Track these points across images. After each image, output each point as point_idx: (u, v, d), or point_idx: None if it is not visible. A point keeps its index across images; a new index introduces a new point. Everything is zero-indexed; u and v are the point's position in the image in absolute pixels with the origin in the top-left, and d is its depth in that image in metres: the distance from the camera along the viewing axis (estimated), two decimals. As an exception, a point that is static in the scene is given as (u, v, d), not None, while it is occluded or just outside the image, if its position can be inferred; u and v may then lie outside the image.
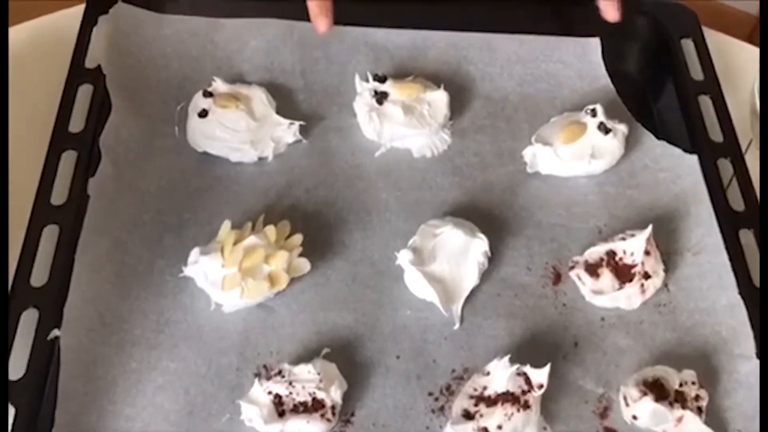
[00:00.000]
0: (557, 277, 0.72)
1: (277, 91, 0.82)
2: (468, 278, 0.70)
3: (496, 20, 0.86)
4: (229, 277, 0.68)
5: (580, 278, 0.70)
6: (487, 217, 0.75)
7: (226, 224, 0.70)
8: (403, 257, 0.69)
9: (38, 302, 0.66)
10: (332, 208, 0.76)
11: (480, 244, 0.70)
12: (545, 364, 0.63)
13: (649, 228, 0.69)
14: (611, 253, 0.70)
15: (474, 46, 0.86)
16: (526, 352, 0.68)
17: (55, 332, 0.64)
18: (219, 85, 0.80)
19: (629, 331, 0.69)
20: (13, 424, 0.61)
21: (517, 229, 0.75)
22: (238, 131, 0.77)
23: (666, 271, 0.70)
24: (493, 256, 0.72)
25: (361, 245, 0.74)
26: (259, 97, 0.80)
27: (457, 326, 0.69)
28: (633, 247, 0.69)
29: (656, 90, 0.86)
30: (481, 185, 0.78)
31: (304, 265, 0.70)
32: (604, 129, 0.76)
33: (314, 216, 0.75)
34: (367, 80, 0.81)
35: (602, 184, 0.78)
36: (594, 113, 0.77)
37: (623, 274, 0.69)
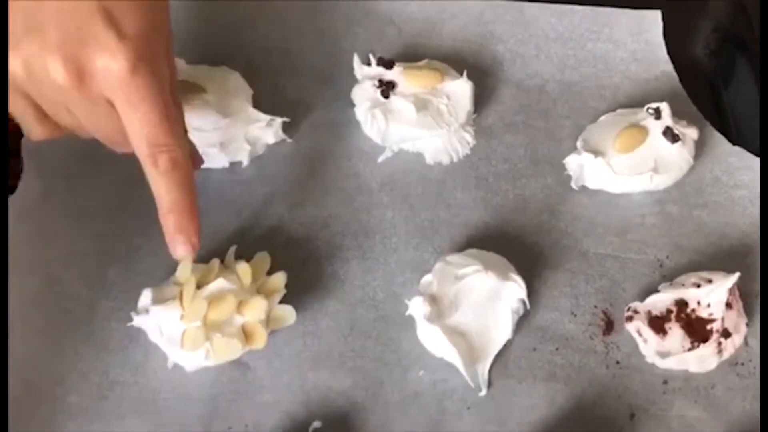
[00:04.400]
0: (609, 326, 0.57)
1: (254, 75, 0.65)
2: (499, 331, 0.55)
3: (530, -15, 0.69)
4: (190, 334, 0.52)
5: (641, 334, 0.55)
6: (520, 245, 0.60)
7: (186, 262, 0.55)
8: (416, 308, 0.54)
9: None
10: (323, 231, 0.60)
11: (515, 289, 0.55)
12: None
13: (735, 277, 0.54)
14: (682, 304, 0.55)
15: (502, 18, 0.69)
16: (569, 427, 0.54)
17: (-40, 412, 0.49)
18: (180, 67, 0.63)
19: (698, 398, 0.55)
20: None
21: (558, 261, 0.60)
22: (204, 131, 0.61)
23: (747, 324, 0.56)
24: (528, 297, 0.57)
25: (360, 281, 0.58)
26: (232, 84, 0.63)
27: (483, 392, 0.54)
28: (710, 298, 0.54)
29: (731, 81, 0.69)
30: (513, 202, 0.62)
31: (289, 315, 0.55)
32: (671, 136, 0.60)
33: (300, 242, 0.60)
34: (368, 63, 0.64)
35: (663, 202, 0.62)
36: (658, 114, 0.61)
37: (696, 330, 0.54)
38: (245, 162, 0.62)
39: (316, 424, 0.53)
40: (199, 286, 0.53)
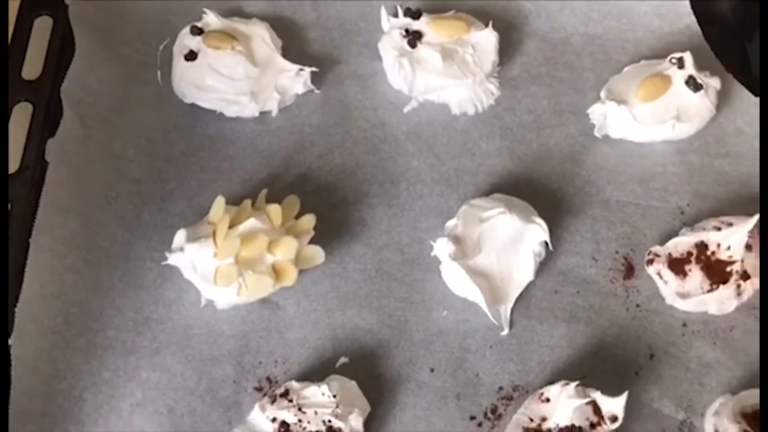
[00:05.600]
0: (629, 270, 0.58)
1: (283, 27, 0.67)
2: (521, 273, 0.56)
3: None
4: (223, 271, 0.54)
5: (661, 276, 0.56)
6: (543, 192, 0.61)
7: (219, 201, 0.57)
8: (441, 248, 0.56)
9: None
10: (351, 179, 0.62)
11: (537, 232, 0.56)
12: (615, 384, 0.52)
13: (755, 218, 0.54)
14: (702, 246, 0.56)
15: (528, -28, 0.69)
16: (590, 365, 0.55)
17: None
18: (211, 20, 0.65)
19: (717, 340, 0.56)
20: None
21: (580, 207, 0.61)
22: (235, 79, 0.62)
23: (767, 267, 0.56)
24: (550, 242, 0.58)
25: (386, 226, 0.60)
26: (261, 35, 0.65)
27: (505, 332, 0.56)
28: (731, 240, 0.55)
29: (754, 34, 0.69)
30: (536, 151, 0.63)
31: (318, 254, 0.57)
32: (694, 84, 0.61)
33: (329, 188, 0.61)
34: (396, 15, 0.65)
35: (684, 152, 0.63)
36: (681, 64, 0.62)
37: (716, 272, 0.55)
38: (275, 111, 0.64)
39: (344, 359, 0.55)
40: (231, 227, 0.55)
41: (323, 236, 0.58)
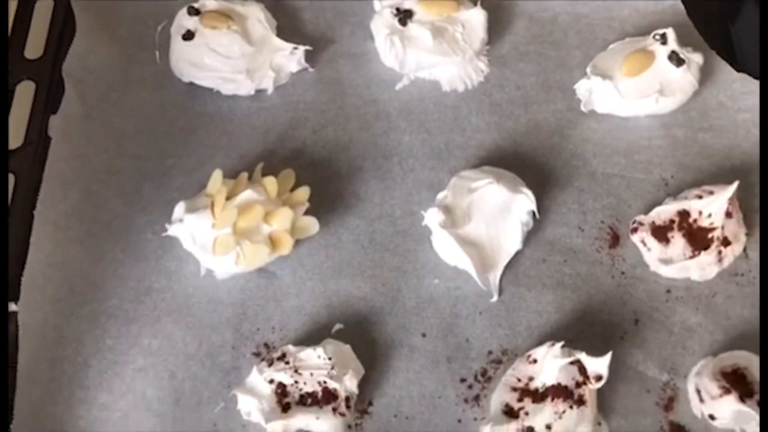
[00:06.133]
0: (615, 240, 0.60)
1: (278, 7, 0.69)
2: (509, 241, 0.58)
3: None
4: (221, 240, 0.56)
5: (645, 243, 0.58)
6: (531, 165, 0.63)
7: (217, 174, 0.58)
8: (432, 217, 0.57)
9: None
10: (344, 153, 0.64)
11: (525, 201, 0.58)
12: (600, 347, 0.53)
13: (734, 186, 0.56)
14: (684, 214, 0.58)
15: (515, -48, 0.71)
16: (576, 330, 0.57)
17: (12, 307, 0.53)
18: (209, 1, 0.66)
19: (699, 306, 0.58)
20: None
21: (567, 180, 0.63)
22: (231, 57, 0.64)
23: (747, 234, 0.58)
24: (538, 213, 0.60)
25: (379, 198, 0.62)
26: (256, 16, 0.66)
27: (494, 299, 0.58)
28: (711, 208, 0.57)
29: (735, 10, 0.71)
30: (525, 126, 0.65)
31: (312, 225, 0.58)
32: (677, 59, 0.63)
33: (323, 162, 0.63)
34: (387, -6, 0.67)
35: (668, 126, 0.65)
36: (664, 40, 0.64)
37: (698, 239, 0.57)
38: (270, 89, 0.65)
39: (339, 326, 0.57)
40: (228, 198, 0.57)
41: (318, 209, 0.60)
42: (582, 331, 0.57)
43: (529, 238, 0.60)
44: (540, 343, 0.55)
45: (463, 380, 0.55)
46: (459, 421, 0.54)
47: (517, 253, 0.59)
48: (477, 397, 0.55)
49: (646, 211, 0.60)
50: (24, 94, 0.61)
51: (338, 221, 0.61)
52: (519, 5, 0.70)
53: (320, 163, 0.63)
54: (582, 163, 0.63)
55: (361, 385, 0.54)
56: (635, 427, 0.54)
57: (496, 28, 0.68)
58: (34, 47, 0.63)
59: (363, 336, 0.56)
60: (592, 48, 0.68)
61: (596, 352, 0.53)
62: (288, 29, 0.68)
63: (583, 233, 0.61)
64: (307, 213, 0.59)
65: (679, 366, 0.56)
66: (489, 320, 0.57)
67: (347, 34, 0.69)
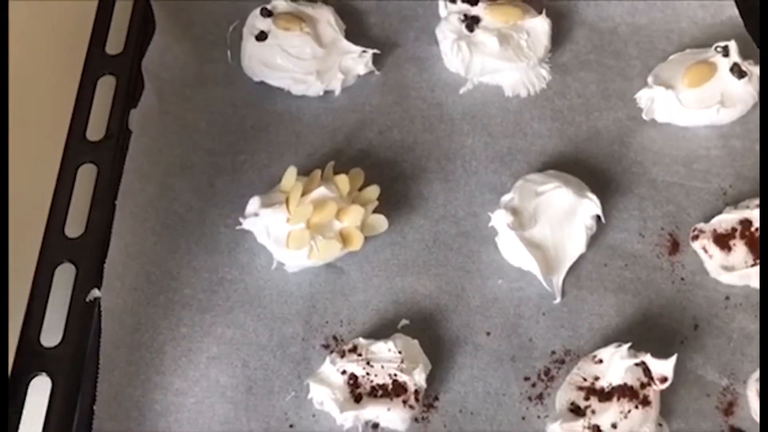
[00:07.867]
0: (674, 246, 0.61)
1: (346, 11, 0.70)
2: (573, 245, 0.60)
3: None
4: (295, 234, 0.58)
5: (706, 251, 0.59)
6: (593, 171, 0.64)
7: (291, 170, 0.60)
8: (500, 219, 0.59)
9: (74, 256, 0.57)
10: (409, 155, 0.65)
11: (590, 206, 0.60)
12: (661, 351, 0.54)
13: (799, 196, 0.58)
14: (746, 223, 0.59)
15: (578, -36, 0.73)
16: (637, 334, 0.58)
17: (95, 293, 0.55)
18: (280, 3, 0.68)
19: (758, 313, 0.59)
20: (50, 398, 0.52)
21: (628, 187, 0.64)
22: (303, 59, 0.66)
23: (807, 244, 0.60)
24: (604, 219, 0.61)
25: (442, 199, 0.63)
26: (327, 19, 0.68)
27: (557, 300, 0.59)
28: (774, 217, 0.58)
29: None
30: (586, 133, 0.66)
31: (381, 222, 0.60)
32: (738, 71, 0.64)
33: (388, 163, 0.65)
34: (453, 1, 0.68)
35: (727, 137, 0.66)
36: (726, 52, 0.65)
37: (759, 247, 0.58)
38: (338, 91, 0.67)
39: (405, 321, 0.58)
40: (302, 195, 0.59)
41: (384, 208, 0.61)
42: (642, 334, 0.58)
43: (590, 242, 0.61)
44: (602, 344, 0.56)
45: (527, 378, 0.57)
46: (523, 418, 0.55)
47: (580, 257, 0.60)
48: (540, 396, 0.56)
49: (705, 219, 0.61)
50: (105, 88, 0.63)
51: (403, 220, 0.62)
52: (580, 14, 0.72)
53: (386, 164, 0.65)
54: (642, 170, 0.65)
55: (428, 380, 0.55)
56: (695, 429, 0.55)
57: (557, 37, 0.70)
58: (115, 42, 0.65)
59: (428, 332, 0.58)
60: (651, 58, 0.69)
61: (657, 355, 0.54)
62: (355, 32, 0.70)
63: (644, 239, 0.62)
64: (375, 211, 0.61)
65: (738, 371, 0.57)
66: (552, 321, 0.59)
67: (411, 39, 0.71)
